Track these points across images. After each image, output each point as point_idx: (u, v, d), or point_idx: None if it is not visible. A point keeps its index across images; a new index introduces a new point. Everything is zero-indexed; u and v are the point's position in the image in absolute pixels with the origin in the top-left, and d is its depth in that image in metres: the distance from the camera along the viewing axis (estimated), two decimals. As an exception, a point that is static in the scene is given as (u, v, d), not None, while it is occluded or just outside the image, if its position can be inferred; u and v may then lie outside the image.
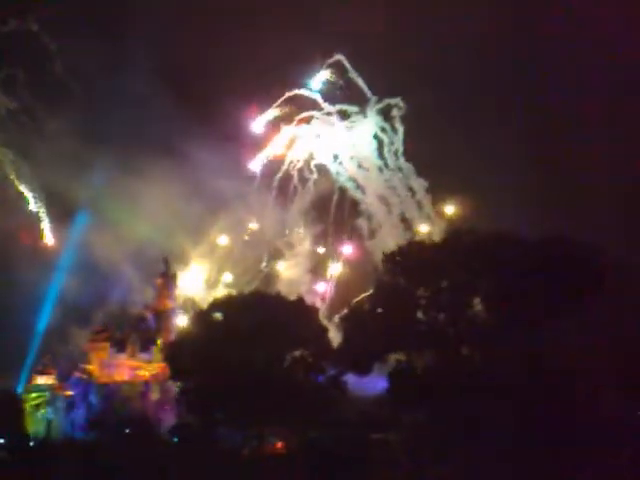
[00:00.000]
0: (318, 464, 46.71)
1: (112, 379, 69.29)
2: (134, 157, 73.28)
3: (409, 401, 47.73)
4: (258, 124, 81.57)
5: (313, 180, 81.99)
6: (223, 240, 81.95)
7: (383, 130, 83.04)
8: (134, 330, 72.83)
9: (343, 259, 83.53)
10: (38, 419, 66.37)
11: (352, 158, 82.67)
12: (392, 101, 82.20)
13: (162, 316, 74.70)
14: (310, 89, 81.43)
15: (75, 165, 73.28)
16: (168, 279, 77.16)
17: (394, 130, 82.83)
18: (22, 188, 73.87)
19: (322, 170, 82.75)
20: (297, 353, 54.22)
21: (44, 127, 74.37)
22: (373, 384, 52.37)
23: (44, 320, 70.99)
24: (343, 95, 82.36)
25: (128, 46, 74.89)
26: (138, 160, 72.99)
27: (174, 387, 62.54)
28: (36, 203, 74.12)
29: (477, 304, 47.32)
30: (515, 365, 42.73)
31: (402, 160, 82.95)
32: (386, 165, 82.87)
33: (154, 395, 67.90)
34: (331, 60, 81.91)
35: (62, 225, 75.24)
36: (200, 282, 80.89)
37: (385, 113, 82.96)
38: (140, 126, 75.29)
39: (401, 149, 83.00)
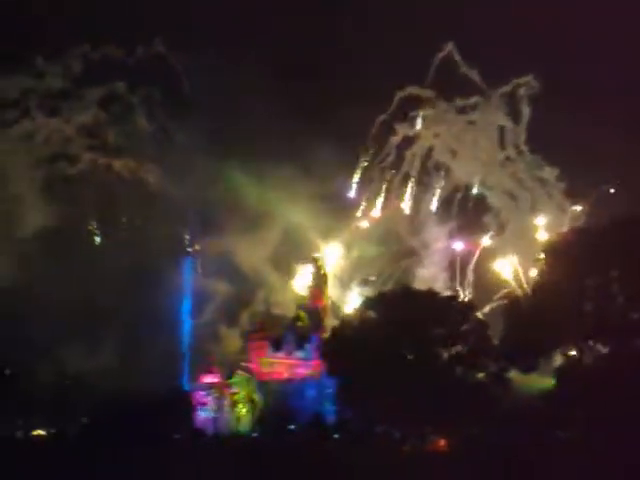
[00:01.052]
0: (484, 462, 45.20)
1: (272, 377, 71.40)
2: (263, 165, 75.26)
3: (579, 398, 45.10)
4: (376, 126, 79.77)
5: (436, 178, 79.79)
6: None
7: (508, 117, 79.04)
8: (289, 329, 74.62)
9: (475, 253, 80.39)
10: (205, 416, 69.68)
11: (474, 151, 79.38)
12: (521, 80, 77.61)
13: (316, 314, 75.97)
14: (424, 86, 78.71)
15: (210, 176, 76.38)
16: (320, 278, 78.36)
17: (519, 116, 78.47)
18: (166, 198, 77.74)
19: (444, 167, 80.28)
20: (455, 349, 53.09)
21: (180, 142, 78.15)
22: (538, 381, 50.09)
23: (194, 321, 74.54)
24: (459, 87, 79.10)
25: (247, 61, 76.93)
26: (266, 167, 74.88)
27: (331, 384, 63.79)
28: (182, 214, 77.83)
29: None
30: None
31: (526, 148, 78.39)
32: (512, 155, 78.79)
33: (312, 392, 69.14)
34: (442, 53, 78.67)
35: (204, 232, 78.18)
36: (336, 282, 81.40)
37: (509, 98, 78.82)
38: (266, 133, 77.05)
39: (523, 137, 78.38)
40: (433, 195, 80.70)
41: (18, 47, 72.78)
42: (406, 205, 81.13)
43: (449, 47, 78.15)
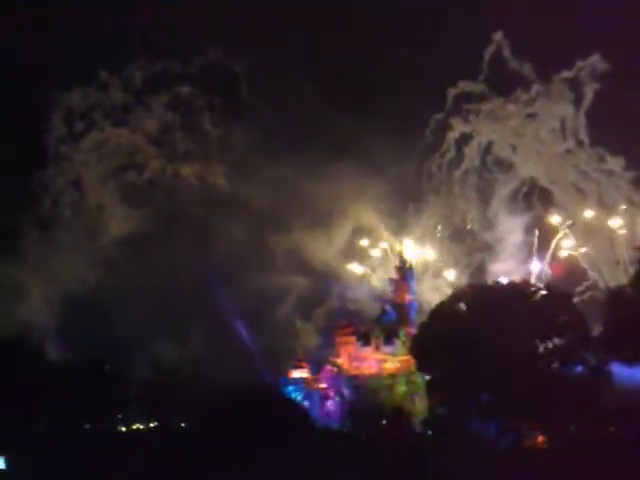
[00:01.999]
0: (585, 460, 43.26)
1: (360, 372, 71.12)
2: (325, 163, 75.11)
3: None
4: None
5: (499, 174, 76.84)
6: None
7: (571, 104, 74.85)
8: (377, 324, 74.08)
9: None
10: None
11: (535, 145, 75.62)
12: (586, 63, 73.44)
13: (402, 309, 75.12)
14: (478, 81, 75.46)
15: (275, 176, 77.14)
16: (405, 272, 77.41)
17: (582, 103, 74.11)
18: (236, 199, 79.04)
19: (505, 163, 77.22)
20: (552, 342, 51.09)
21: (243, 144, 79.28)
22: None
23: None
24: (515, 79, 75.38)
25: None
26: (328, 165, 74.82)
27: (421, 379, 62.86)
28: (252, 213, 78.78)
29: None
30: None
31: (588, 138, 73.87)
32: (572, 146, 74.56)
33: (401, 387, 68.41)
34: (491, 47, 75.07)
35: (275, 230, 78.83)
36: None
37: (573, 84, 74.64)
38: (324, 131, 76.89)
39: (584, 125, 73.79)
40: (499, 190, 78.31)
41: (81, 62, 75.32)
42: (473, 201, 79.24)
43: (498, 38, 75.21)
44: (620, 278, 67.58)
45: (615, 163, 72.68)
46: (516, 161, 76.47)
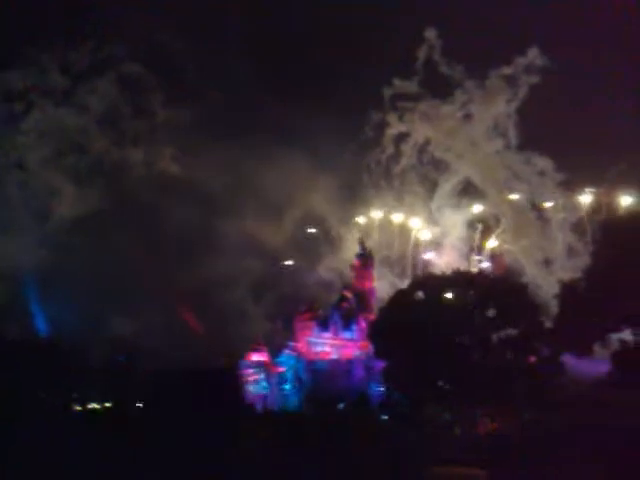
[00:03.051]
0: (535, 446, 44.72)
1: (319, 357, 71.79)
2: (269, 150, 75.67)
3: (636, 383, 44.11)
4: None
5: (438, 172, 78.45)
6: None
7: (506, 103, 76.22)
8: (336, 310, 74.71)
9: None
10: (253, 394, 70.51)
11: (468, 146, 77.31)
12: (524, 59, 74.32)
13: (362, 295, 75.90)
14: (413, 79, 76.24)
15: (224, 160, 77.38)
16: (366, 259, 78.14)
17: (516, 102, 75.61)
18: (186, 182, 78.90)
19: (442, 163, 78.83)
20: (505, 332, 52.39)
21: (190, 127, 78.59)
22: (592, 366, 49.12)
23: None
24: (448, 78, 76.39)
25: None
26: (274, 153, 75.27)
27: (379, 365, 63.78)
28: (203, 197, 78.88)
29: None
30: None
31: (517, 138, 75.62)
32: (501, 146, 76.18)
33: (359, 373, 69.31)
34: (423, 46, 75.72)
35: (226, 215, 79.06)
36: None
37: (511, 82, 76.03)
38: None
39: (516, 126, 74.41)
40: (439, 188, 79.69)
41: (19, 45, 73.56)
42: (416, 197, 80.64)
43: (431, 36, 75.91)
44: (556, 273, 70.49)
45: (545, 164, 74.88)
46: (451, 160, 78.20)
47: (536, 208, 76.26)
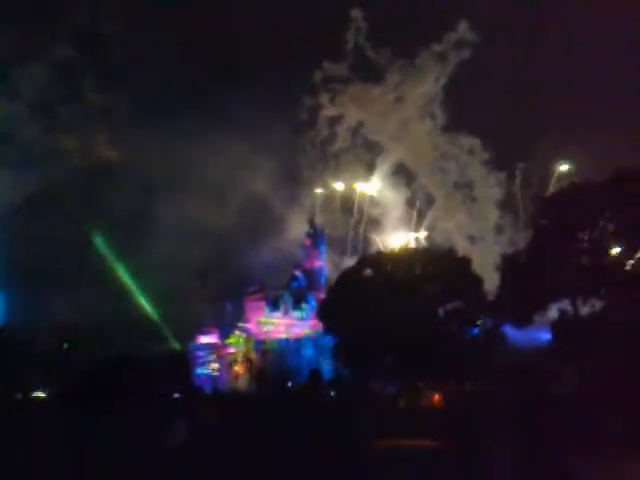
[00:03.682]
0: (477, 417, 45.35)
1: (269, 336, 71.79)
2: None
3: (575, 352, 45.01)
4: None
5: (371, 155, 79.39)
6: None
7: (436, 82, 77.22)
8: (286, 289, 74.74)
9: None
10: (204, 376, 70.24)
11: (401, 125, 78.13)
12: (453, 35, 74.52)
13: (312, 274, 76.07)
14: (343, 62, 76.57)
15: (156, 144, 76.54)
16: (316, 239, 78.28)
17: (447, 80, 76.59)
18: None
19: (375, 146, 79.63)
20: (451, 305, 52.99)
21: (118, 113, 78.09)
22: (533, 336, 50.01)
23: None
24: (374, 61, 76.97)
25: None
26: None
27: (328, 342, 64.01)
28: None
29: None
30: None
31: (448, 117, 76.94)
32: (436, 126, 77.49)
33: (308, 351, 69.56)
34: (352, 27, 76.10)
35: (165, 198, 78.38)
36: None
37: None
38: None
39: (445, 106, 76.27)
40: (376, 169, 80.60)
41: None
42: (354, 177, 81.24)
43: (357, 16, 76.23)
44: (487, 248, 72.21)
45: (472, 143, 76.16)
46: (384, 142, 78.77)
47: (465, 186, 78.00)
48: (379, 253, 63.20)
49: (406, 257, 58.18)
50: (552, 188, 72.55)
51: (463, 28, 74.80)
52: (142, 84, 76.62)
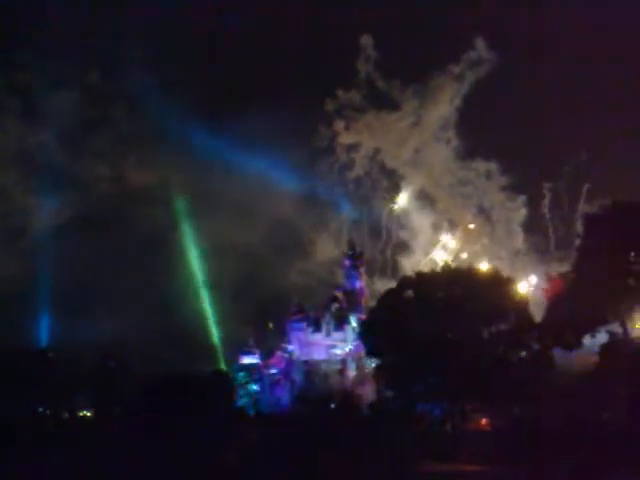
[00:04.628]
0: (526, 441, 44.73)
1: (311, 357, 71.76)
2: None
3: (624, 375, 44.25)
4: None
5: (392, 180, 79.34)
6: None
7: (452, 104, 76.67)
8: (327, 310, 74.74)
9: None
10: (246, 396, 70.41)
11: (417, 151, 77.76)
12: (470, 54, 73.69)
13: (352, 295, 75.97)
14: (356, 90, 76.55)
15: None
16: (355, 259, 78.27)
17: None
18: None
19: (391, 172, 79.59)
20: (496, 327, 52.43)
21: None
22: (582, 359, 49.20)
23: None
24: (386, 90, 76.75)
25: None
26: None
27: (370, 364, 63.83)
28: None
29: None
30: None
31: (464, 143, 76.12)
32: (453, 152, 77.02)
33: (351, 372, 69.34)
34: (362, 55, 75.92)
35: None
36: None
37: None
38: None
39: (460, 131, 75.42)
40: (399, 194, 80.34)
41: None
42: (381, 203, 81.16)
43: (367, 42, 76.27)
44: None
45: (490, 167, 75.65)
46: (401, 168, 78.71)
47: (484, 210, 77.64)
48: (419, 274, 62.78)
49: (447, 277, 57.83)
50: (582, 209, 71.66)
51: (480, 46, 74.71)
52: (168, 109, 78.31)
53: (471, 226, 79.52)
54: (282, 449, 45.72)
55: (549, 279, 50.12)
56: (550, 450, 42.67)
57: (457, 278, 55.68)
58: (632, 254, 45.02)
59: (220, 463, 38.36)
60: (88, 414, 66.19)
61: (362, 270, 77.87)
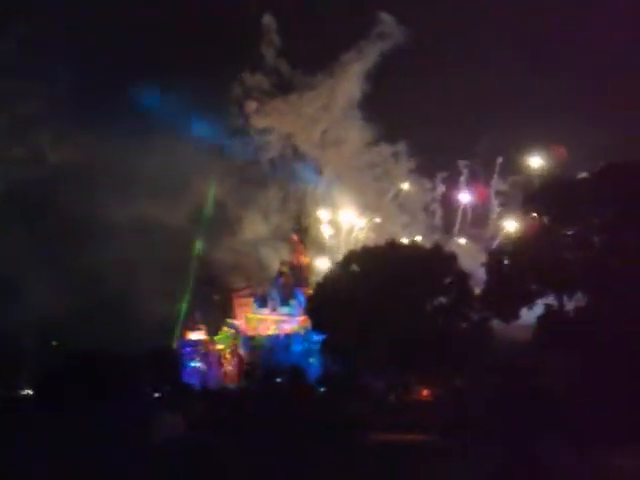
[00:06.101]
0: (465, 411, 46.04)
1: (257, 332, 72.02)
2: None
3: (561, 347, 45.78)
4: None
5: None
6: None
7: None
8: (274, 285, 74.96)
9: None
10: (192, 372, 70.38)
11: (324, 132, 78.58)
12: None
13: (299, 271, 76.32)
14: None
15: None
16: (302, 235, 78.56)
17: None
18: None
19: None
20: (437, 301, 53.58)
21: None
22: (520, 331, 50.69)
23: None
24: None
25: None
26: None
27: (316, 338, 64.47)
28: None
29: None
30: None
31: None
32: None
33: (297, 347, 69.91)
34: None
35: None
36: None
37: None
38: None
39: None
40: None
41: None
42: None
43: (268, 22, 76.40)
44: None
45: (399, 147, 76.88)
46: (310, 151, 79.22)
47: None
48: (365, 249, 63.46)
49: (392, 254, 58.58)
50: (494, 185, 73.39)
51: (387, 20, 75.06)
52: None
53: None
54: (225, 421, 45.93)
55: (488, 253, 51.22)
56: (487, 419, 44.11)
57: (401, 254, 56.49)
58: (569, 228, 46.35)
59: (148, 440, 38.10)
60: (30, 392, 65.23)
61: (307, 245, 78.32)
